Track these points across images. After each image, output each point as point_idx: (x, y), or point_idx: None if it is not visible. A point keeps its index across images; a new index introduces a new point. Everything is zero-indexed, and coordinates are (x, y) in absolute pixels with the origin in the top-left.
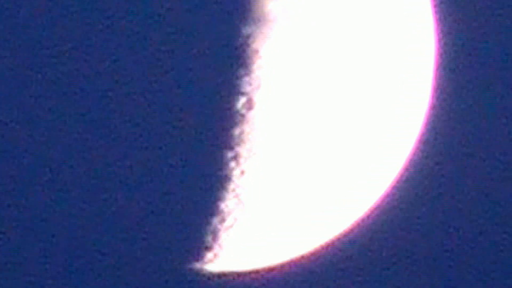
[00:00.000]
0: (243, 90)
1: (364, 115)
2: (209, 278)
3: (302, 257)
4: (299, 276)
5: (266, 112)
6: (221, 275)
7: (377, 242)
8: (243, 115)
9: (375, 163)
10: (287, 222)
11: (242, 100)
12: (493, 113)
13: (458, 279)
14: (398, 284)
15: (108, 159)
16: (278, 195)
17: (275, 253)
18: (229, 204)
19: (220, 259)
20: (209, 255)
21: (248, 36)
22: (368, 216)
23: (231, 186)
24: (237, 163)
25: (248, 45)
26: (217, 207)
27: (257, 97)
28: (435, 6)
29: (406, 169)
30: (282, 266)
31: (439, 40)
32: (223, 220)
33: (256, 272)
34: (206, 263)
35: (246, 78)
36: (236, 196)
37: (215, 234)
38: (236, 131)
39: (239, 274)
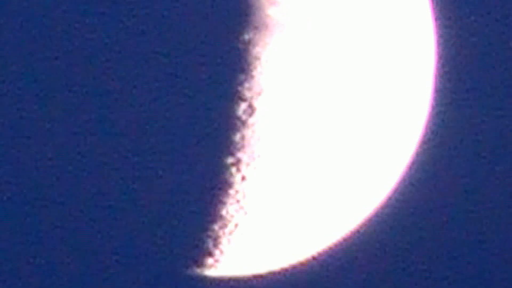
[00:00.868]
0: (243, 96)
1: (366, 119)
2: (210, 283)
3: (303, 262)
4: (300, 281)
5: (267, 118)
6: (222, 281)
7: (379, 246)
8: (244, 121)
9: (376, 167)
10: (288, 228)
11: (243, 106)
12: (495, 113)
13: (462, 280)
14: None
15: (109, 165)
16: (279, 201)
17: (276, 258)
18: (230, 209)
19: (221, 264)
20: (210, 260)
21: (249, 42)
22: (369, 220)
23: (232, 191)
24: (238, 169)
25: (248, 51)
26: (218, 212)
27: (257, 103)
28: (434, 7)
29: (408, 171)
30: (283, 271)
31: (438, 41)
32: (224, 226)
33: (257, 277)
34: (207, 268)
35: (247, 84)
36: (237, 201)
37: (216, 240)
38: (237, 137)
39: (240, 280)
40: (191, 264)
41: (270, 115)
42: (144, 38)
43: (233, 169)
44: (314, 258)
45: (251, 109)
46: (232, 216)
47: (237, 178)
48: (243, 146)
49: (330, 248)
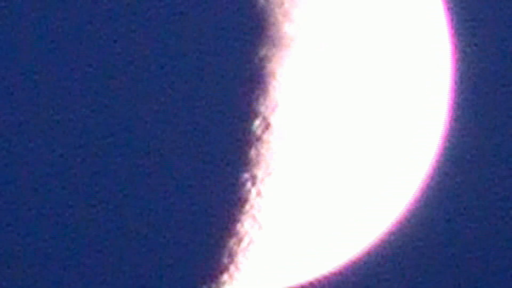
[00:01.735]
0: (259, 111)
1: (384, 133)
2: None
3: (319, 278)
4: None
5: (282, 133)
6: None
7: (400, 260)
8: (259, 137)
9: (396, 180)
10: (304, 244)
11: (258, 121)
12: None
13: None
14: None
15: (122, 179)
16: (295, 217)
17: (292, 274)
18: (245, 225)
19: (236, 280)
20: (225, 276)
21: (264, 58)
22: (388, 234)
23: (247, 207)
24: (254, 184)
25: (264, 67)
26: (234, 228)
27: (273, 119)
28: (448, 8)
29: (429, 179)
30: None
31: (454, 42)
32: (239, 241)
33: None
34: (222, 284)
35: (262, 100)
36: (253, 217)
37: (231, 256)
38: (252, 153)
39: None
40: (206, 280)
41: (285, 130)
42: (158, 53)
43: (248, 185)
44: (331, 274)
45: (266, 124)
46: (247, 231)
47: (252, 193)
48: (258, 162)
49: (348, 264)
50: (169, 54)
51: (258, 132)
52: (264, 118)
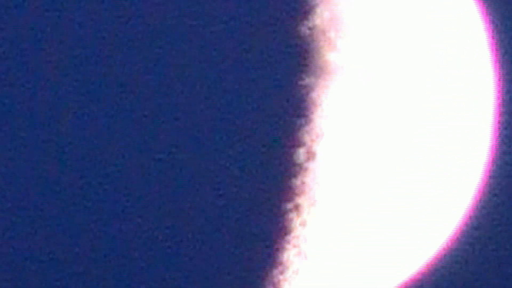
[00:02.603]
0: (303, 140)
1: (431, 161)
2: None
3: None
4: None
5: (327, 162)
6: None
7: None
8: (303, 166)
9: (443, 204)
10: (349, 273)
11: (302, 150)
12: None
13: None
14: None
15: (167, 208)
16: (339, 246)
17: None
18: (289, 255)
19: None
20: None
21: (308, 87)
22: (440, 260)
23: (292, 236)
24: (298, 214)
25: (307, 95)
26: (278, 258)
27: (317, 148)
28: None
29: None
30: None
31: (494, 45)
32: (283, 271)
33: None
34: None
35: (306, 129)
36: (297, 247)
37: (276, 285)
38: (296, 182)
39: None
40: None
41: (329, 160)
42: (204, 84)
43: (293, 214)
44: None
45: (310, 154)
46: (292, 261)
47: (296, 223)
48: (302, 191)
49: None
50: (215, 82)
51: (302, 161)
52: (308, 147)
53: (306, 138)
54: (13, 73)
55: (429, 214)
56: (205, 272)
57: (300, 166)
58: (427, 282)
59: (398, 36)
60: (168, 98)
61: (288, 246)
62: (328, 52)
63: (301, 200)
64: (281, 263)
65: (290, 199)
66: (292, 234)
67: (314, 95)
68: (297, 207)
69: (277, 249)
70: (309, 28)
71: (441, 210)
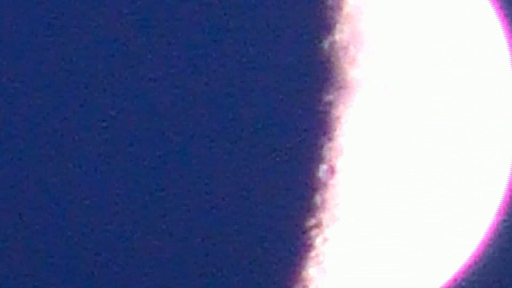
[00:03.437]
0: (324, 157)
1: (452, 175)
2: None
3: None
4: None
5: (348, 179)
6: None
7: None
8: (325, 182)
9: (465, 219)
10: None
11: (324, 167)
12: None
13: None
14: None
15: (186, 227)
16: (361, 263)
17: None
18: (311, 271)
19: None
20: None
21: (330, 103)
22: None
23: (313, 253)
24: (319, 231)
25: (329, 112)
26: (299, 275)
27: (339, 164)
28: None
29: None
30: None
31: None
32: None
33: None
34: None
35: (328, 145)
36: (318, 263)
37: None
38: (318, 199)
39: None
40: None
41: (351, 176)
42: (227, 100)
43: (314, 231)
44: None
45: (332, 170)
46: (313, 278)
47: (318, 240)
48: (324, 208)
49: None
50: (238, 99)
51: (324, 177)
52: (330, 164)
53: (328, 155)
54: (13, 72)
55: (452, 232)
56: None
57: (322, 182)
58: None
59: (419, 52)
60: (192, 119)
61: (309, 262)
62: (349, 68)
63: (322, 217)
64: (302, 280)
65: (311, 216)
66: (314, 251)
67: (335, 111)
68: (318, 224)
69: (299, 266)
70: (331, 45)
71: (465, 227)
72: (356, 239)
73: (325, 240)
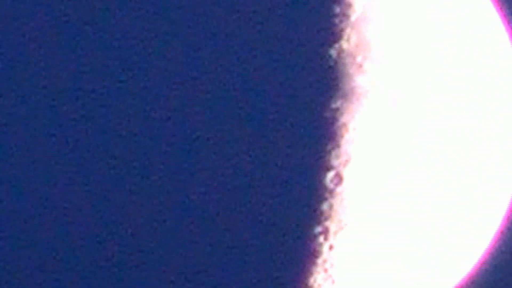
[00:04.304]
0: (331, 164)
1: (457, 184)
2: None
3: None
4: None
5: (355, 187)
6: None
7: None
8: (331, 190)
9: (472, 228)
10: None
11: (330, 174)
12: None
13: None
14: None
15: (192, 236)
16: (368, 271)
17: None
18: (317, 279)
19: None
20: None
21: (336, 111)
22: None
23: (320, 260)
24: (326, 238)
25: (336, 119)
26: (306, 282)
27: (345, 172)
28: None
29: None
30: None
31: None
32: None
33: None
34: None
35: (335, 152)
36: (325, 270)
37: None
38: (325, 206)
39: None
40: None
41: (358, 183)
42: (233, 106)
43: (321, 238)
44: None
45: (338, 177)
46: (320, 285)
47: (325, 247)
48: (330, 215)
49: None
50: (244, 105)
51: (331, 185)
52: (337, 171)
53: (335, 162)
54: (13, 73)
55: (459, 240)
56: None
57: (328, 189)
58: None
59: (426, 59)
60: (197, 125)
61: (316, 269)
62: (356, 75)
63: (329, 224)
64: (309, 287)
65: (318, 223)
66: (321, 258)
67: (342, 119)
68: (325, 231)
69: (306, 273)
70: (338, 52)
71: (472, 235)
72: (363, 246)
73: (332, 247)
